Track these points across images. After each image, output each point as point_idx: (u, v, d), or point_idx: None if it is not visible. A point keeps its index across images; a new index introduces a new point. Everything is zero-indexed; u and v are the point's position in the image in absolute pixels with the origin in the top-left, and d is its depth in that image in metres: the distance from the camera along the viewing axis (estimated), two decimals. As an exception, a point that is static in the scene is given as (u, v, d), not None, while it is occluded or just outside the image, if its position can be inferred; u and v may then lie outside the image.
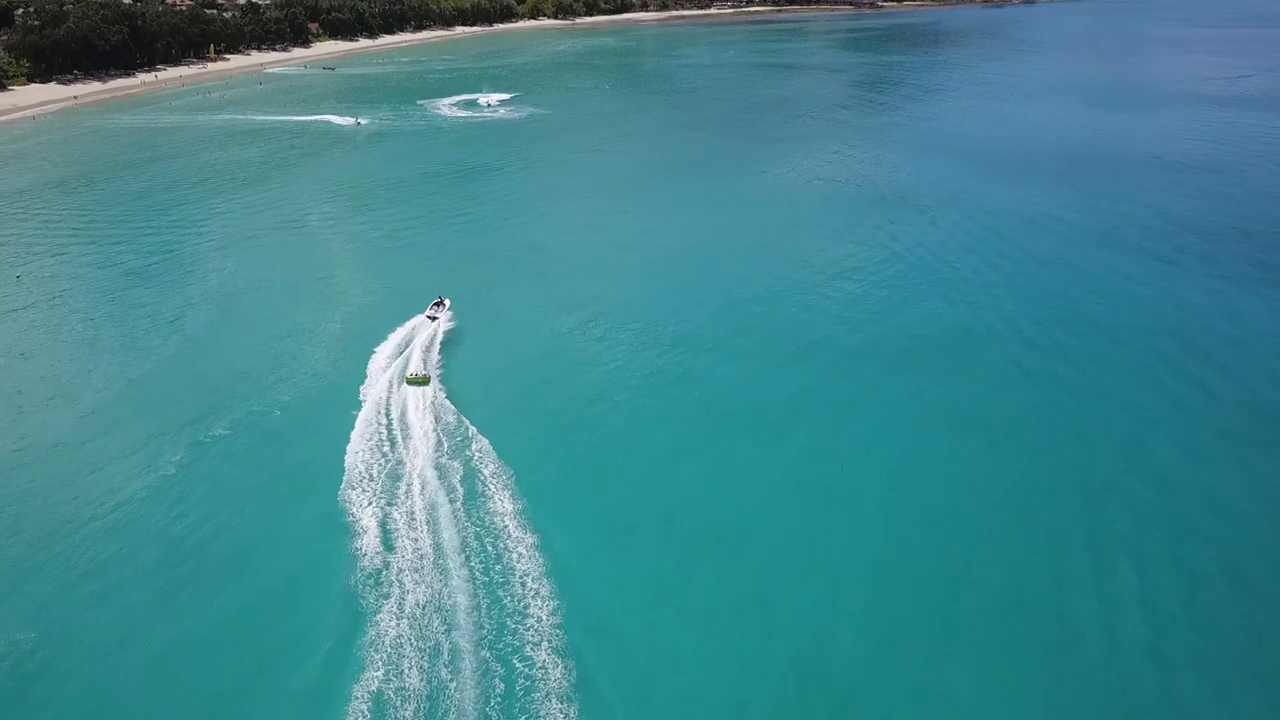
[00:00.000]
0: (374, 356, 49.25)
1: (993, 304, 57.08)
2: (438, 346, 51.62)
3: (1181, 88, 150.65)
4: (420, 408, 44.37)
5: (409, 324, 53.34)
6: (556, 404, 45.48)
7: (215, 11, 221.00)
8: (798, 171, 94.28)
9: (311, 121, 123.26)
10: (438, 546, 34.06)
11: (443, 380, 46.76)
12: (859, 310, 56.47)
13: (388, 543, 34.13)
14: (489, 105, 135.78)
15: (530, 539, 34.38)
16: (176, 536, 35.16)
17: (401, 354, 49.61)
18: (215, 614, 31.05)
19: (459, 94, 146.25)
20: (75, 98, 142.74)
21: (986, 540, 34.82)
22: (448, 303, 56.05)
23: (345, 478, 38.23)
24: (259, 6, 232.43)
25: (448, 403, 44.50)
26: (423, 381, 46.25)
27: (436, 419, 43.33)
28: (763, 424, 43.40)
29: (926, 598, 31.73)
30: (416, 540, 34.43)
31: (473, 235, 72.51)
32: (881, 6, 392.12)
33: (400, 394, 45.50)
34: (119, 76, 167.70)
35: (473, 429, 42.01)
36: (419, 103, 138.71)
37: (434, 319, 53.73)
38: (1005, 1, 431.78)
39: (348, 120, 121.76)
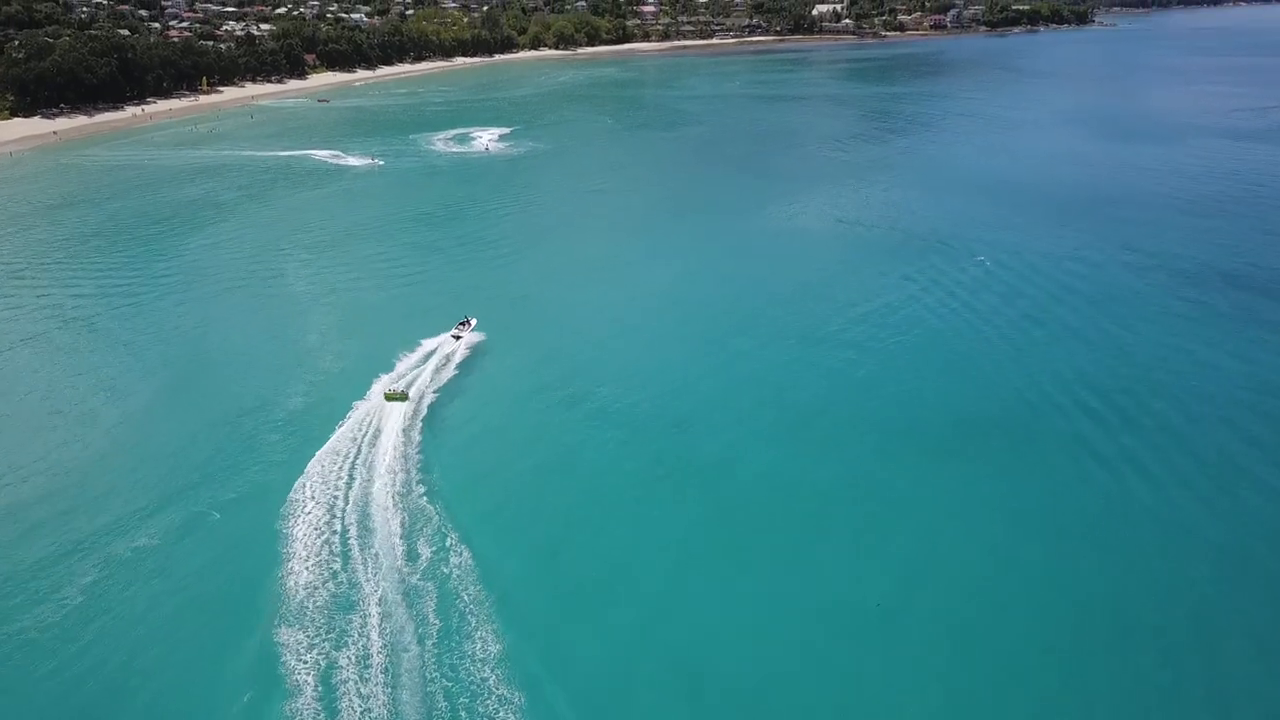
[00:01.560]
0: (331, 436, 42.65)
1: (1044, 368, 50.39)
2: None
3: (1205, 120, 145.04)
4: (393, 505, 37.65)
5: (374, 393, 46.95)
6: (546, 505, 38.68)
7: (212, 43, 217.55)
8: (811, 212, 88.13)
9: (296, 158, 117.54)
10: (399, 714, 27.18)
11: (421, 476, 39.93)
12: (892, 379, 49.74)
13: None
14: (485, 140, 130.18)
15: (518, 697, 27.55)
16: (57, 694, 28.20)
17: (366, 436, 42.99)
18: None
19: (454, 128, 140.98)
20: (55, 132, 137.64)
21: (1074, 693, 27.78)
22: (474, 322, 55.22)
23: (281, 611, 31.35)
24: (255, 38, 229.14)
25: (425, 503, 37.73)
26: (401, 398, 45.63)
27: (404, 519, 36.66)
28: (786, 534, 36.54)
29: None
30: None
31: (455, 285, 65.83)
32: (884, 36, 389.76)
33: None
34: (107, 110, 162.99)
35: (453, 536, 35.27)
36: (411, 137, 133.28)
37: (458, 338, 53.18)
38: (1008, 30, 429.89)
39: (365, 160, 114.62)
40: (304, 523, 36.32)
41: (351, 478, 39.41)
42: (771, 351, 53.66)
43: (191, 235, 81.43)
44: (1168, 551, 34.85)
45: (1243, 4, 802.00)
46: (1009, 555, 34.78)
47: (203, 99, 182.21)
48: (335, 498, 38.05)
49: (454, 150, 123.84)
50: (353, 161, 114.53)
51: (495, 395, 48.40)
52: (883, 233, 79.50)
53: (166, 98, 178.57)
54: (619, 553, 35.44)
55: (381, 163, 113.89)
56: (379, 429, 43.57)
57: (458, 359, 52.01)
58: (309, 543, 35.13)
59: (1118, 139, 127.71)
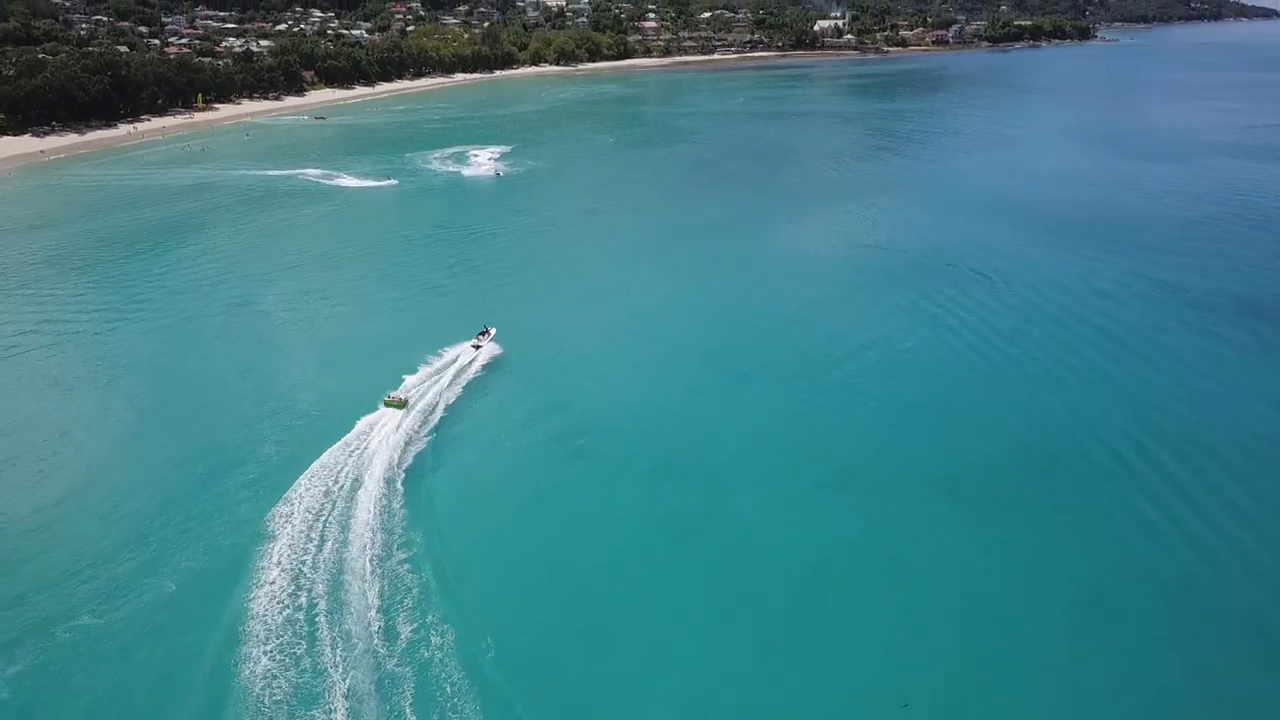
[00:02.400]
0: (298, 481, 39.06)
1: (1078, 410, 46.85)
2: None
3: (1213, 137, 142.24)
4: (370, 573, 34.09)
5: (354, 431, 43.44)
6: (534, 573, 34.98)
7: (210, 60, 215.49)
8: (819, 234, 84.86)
9: (284, 178, 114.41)
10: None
11: (405, 539, 36.33)
12: (917, 422, 46.16)
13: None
14: (483, 159, 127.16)
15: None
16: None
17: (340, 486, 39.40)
18: None
19: (452, 146, 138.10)
20: (43, 151, 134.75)
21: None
22: (493, 332, 54.63)
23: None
24: (253, 55, 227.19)
25: (407, 570, 34.12)
26: (400, 405, 45.29)
27: (383, 588, 33.16)
28: (803, 615, 32.79)
29: None
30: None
31: (444, 312, 62.17)
32: (886, 51, 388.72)
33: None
34: (100, 128, 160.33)
35: (434, 615, 31.62)
36: (406, 156, 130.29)
37: (478, 348, 52.65)
38: (1009, 46, 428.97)
39: (386, 182, 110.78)
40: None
41: (324, 538, 35.86)
42: (782, 388, 50.14)
43: (165, 256, 78.41)
44: (1245, 634, 31.16)
45: (1243, 19, 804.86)
46: (1053, 641, 31.06)
47: (198, 116, 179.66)
48: (302, 566, 34.50)
49: (449, 169, 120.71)
50: (346, 182, 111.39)
51: (474, 444, 44.65)
52: (892, 256, 76.15)
53: (161, 115, 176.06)
54: (617, 634, 31.77)
55: (395, 182, 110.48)
56: (359, 478, 40.08)
57: (461, 384, 49.76)
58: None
59: (1126, 157, 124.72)
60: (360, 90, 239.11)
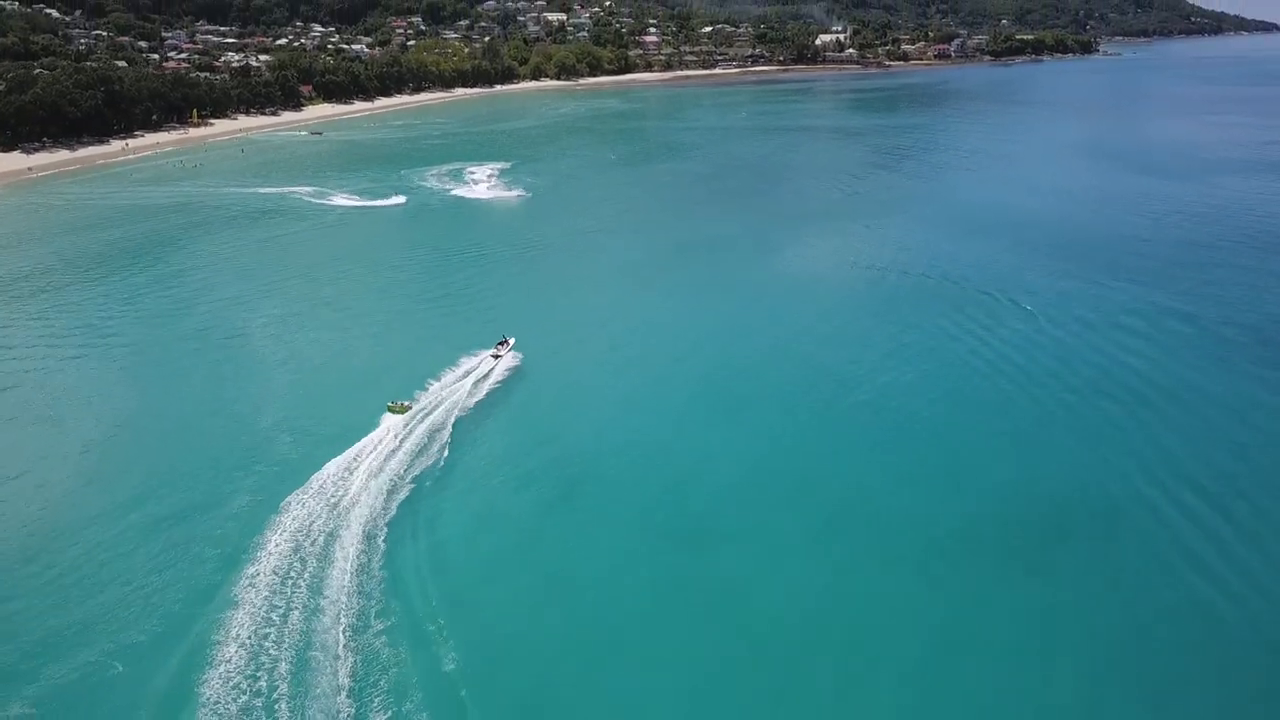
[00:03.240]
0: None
1: (1102, 454, 43.18)
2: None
3: (1235, 154, 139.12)
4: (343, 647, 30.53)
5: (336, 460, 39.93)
6: (521, 664, 31.32)
7: (206, 75, 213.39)
8: (828, 255, 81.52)
9: (274, 196, 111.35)
10: None
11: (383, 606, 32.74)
12: (941, 464, 42.63)
13: None
14: (480, 177, 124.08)
15: None
16: None
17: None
18: None
19: (449, 163, 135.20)
20: (30, 169, 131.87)
21: None
22: (511, 341, 56.01)
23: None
24: (250, 69, 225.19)
25: (384, 643, 30.50)
26: (402, 410, 46.45)
27: (355, 665, 29.58)
28: (801, 675, 29.35)
29: None
30: None
31: (432, 337, 58.53)
32: (888, 66, 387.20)
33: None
34: (92, 144, 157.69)
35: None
36: (402, 173, 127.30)
37: (498, 357, 54.16)
38: (1011, 60, 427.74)
39: (381, 201, 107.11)
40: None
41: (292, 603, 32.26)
42: (791, 428, 46.62)
43: (137, 275, 75.58)
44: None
45: (1243, 33, 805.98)
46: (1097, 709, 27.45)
47: (192, 132, 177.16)
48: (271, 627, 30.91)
49: (445, 187, 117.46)
50: (338, 201, 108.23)
51: (456, 495, 41.09)
52: (906, 279, 72.76)
53: (155, 131, 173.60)
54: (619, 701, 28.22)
55: (396, 200, 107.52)
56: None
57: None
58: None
59: (1144, 174, 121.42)
60: (359, 105, 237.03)
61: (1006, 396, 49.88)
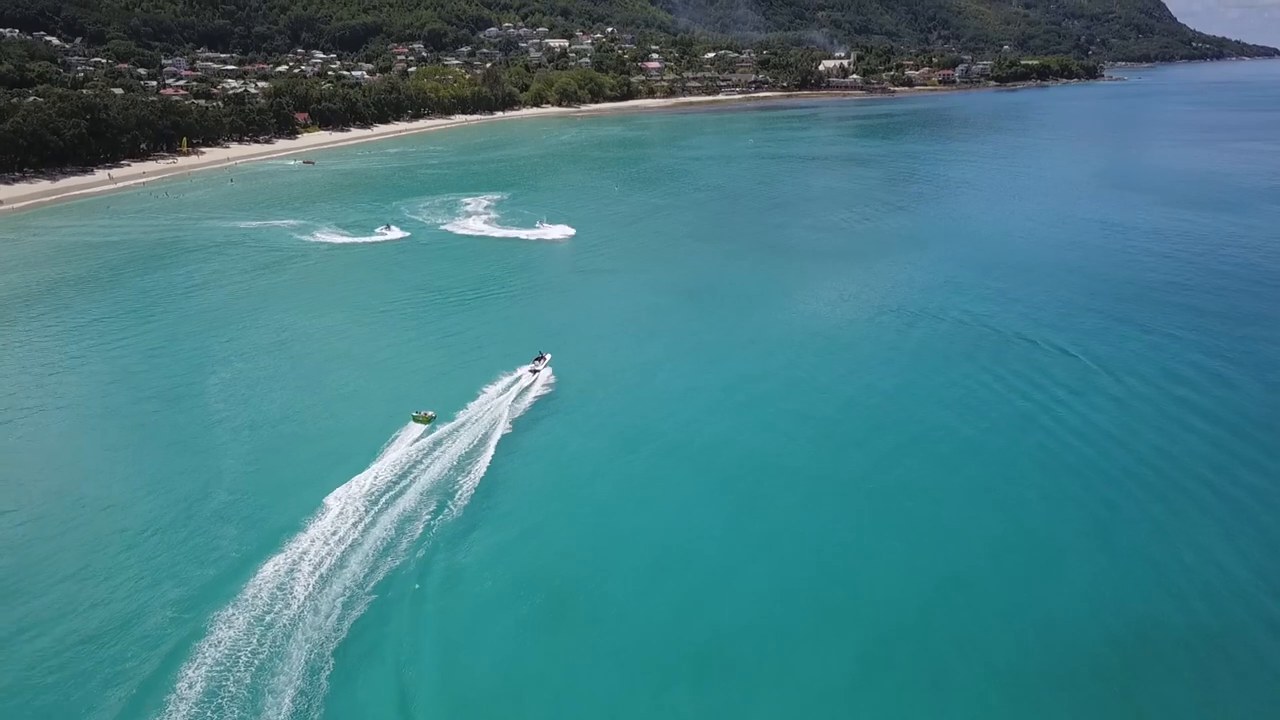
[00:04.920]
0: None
1: (1212, 551, 36.02)
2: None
3: (1258, 182, 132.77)
4: None
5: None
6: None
7: (198, 102, 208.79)
8: (848, 298, 74.66)
9: (253, 230, 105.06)
10: None
11: None
12: (1013, 574, 35.46)
13: None
14: (474, 209, 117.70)
15: None
16: None
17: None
18: None
19: (443, 194, 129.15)
20: (1, 201, 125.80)
21: None
22: (548, 357, 56.63)
23: None
24: (244, 96, 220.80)
25: None
26: (427, 420, 47.20)
27: None
28: None
29: None
30: None
31: (419, 385, 51.54)
32: (893, 91, 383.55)
33: None
34: (75, 174, 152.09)
35: None
36: (393, 204, 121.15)
37: (535, 372, 54.60)
38: (1016, 85, 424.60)
39: (394, 233, 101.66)
40: None
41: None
42: (827, 521, 39.49)
43: (72, 317, 68.47)
44: None
45: (1245, 58, 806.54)
46: None
47: (181, 161, 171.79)
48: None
49: (435, 221, 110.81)
50: (322, 237, 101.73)
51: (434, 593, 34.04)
52: (939, 325, 65.93)
53: (143, 160, 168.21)
54: None
55: (407, 234, 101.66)
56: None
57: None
58: None
59: (1177, 205, 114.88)
60: (355, 132, 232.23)
61: (1077, 476, 42.74)
